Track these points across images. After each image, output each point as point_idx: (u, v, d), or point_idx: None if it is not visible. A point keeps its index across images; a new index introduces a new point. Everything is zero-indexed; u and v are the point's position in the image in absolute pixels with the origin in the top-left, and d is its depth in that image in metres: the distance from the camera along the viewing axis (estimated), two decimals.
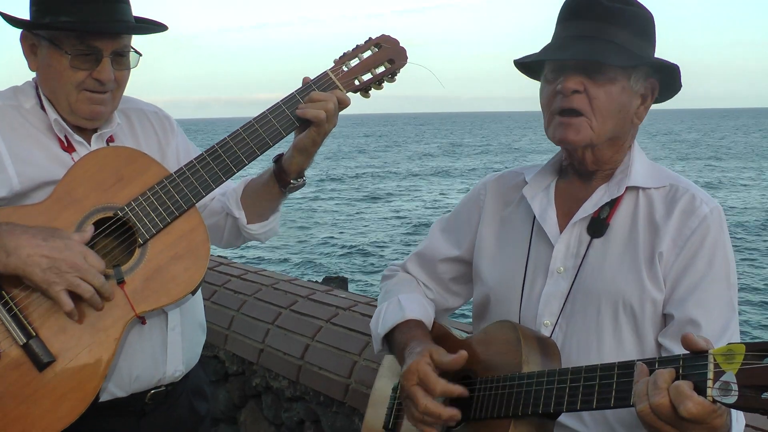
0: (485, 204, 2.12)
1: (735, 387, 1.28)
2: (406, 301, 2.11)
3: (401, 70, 2.21)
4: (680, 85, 1.89)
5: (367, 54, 2.18)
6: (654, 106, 1.93)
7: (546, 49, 1.87)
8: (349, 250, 23.77)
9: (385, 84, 2.21)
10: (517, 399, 1.68)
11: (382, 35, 2.20)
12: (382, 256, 22.37)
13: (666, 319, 1.78)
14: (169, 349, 2.17)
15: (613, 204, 1.86)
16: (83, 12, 1.96)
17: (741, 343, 1.31)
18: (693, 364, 1.37)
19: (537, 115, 2.01)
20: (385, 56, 2.18)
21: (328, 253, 23.44)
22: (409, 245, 23.59)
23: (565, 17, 1.86)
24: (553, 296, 1.88)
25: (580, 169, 1.93)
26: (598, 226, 1.86)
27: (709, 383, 1.33)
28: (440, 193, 38.06)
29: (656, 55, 1.87)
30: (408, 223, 28.42)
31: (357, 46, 2.19)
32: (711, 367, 1.33)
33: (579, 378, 1.56)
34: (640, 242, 1.81)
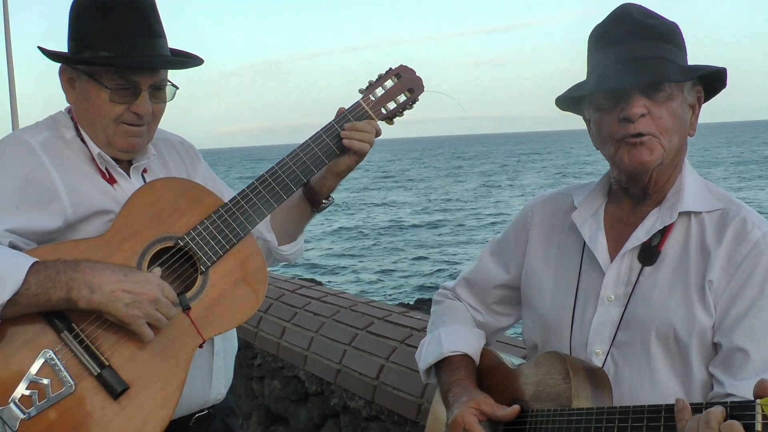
0: (532, 228, 2.10)
1: None
2: (447, 335, 2.11)
3: (420, 97, 2.33)
4: (724, 85, 1.86)
5: (389, 84, 2.30)
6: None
7: (599, 79, 1.80)
8: (445, 271, 23.74)
9: (406, 112, 2.33)
10: None
11: (401, 65, 2.33)
12: None
13: (716, 347, 1.74)
14: (214, 374, 2.24)
15: (664, 230, 1.82)
16: (122, 47, 2.01)
17: None
18: (739, 413, 1.34)
19: None
20: (406, 85, 2.31)
21: (424, 274, 23.47)
22: None
23: (605, 44, 1.82)
24: (603, 324, 1.86)
25: (634, 192, 1.89)
26: (649, 253, 1.82)
27: None
28: None
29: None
30: None
31: (380, 76, 2.31)
32: (759, 417, 1.30)
33: (627, 418, 1.56)
34: (691, 270, 1.77)
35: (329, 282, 20.65)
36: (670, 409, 1.48)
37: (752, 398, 1.34)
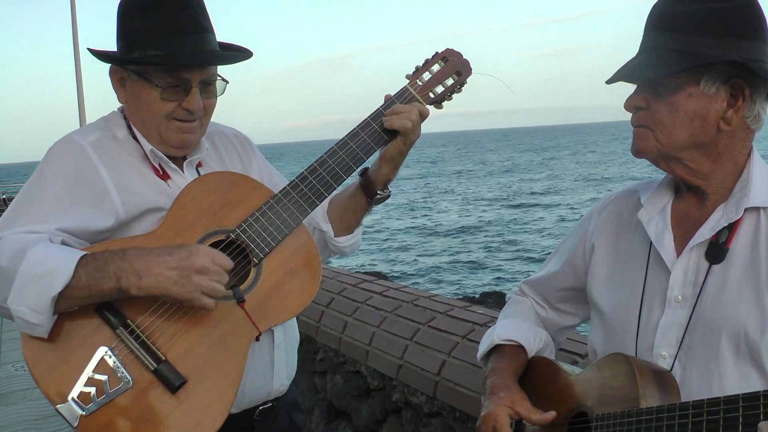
0: (599, 228, 2.04)
1: None
2: (502, 326, 2.13)
3: (468, 80, 2.30)
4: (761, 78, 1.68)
5: (436, 68, 2.28)
6: None
7: (619, 69, 1.81)
8: (513, 264, 23.52)
9: (454, 95, 2.30)
10: None
11: (447, 49, 2.30)
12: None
13: None
14: (275, 365, 2.23)
15: (731, 227, 1.72)
16: (170, 45, 2.02)
17: None
18: None
19: None
20: (453, 69, 2.28)
21: (491, 267, 23.30)
22: None
23: (645, 29, 1.79)
24: (670, 327, 1.77)
25: (687, 185, 1.82)
26: (716, 251, 1.72)
27: None
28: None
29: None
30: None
31: (426, 60, 2.29)
32: None
33: (701, 412, 1.47)
34: (762, 269, 1.66)
35: (392, 274, 20.68)
36: (748, 398, 1.38)
37: None
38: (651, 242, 1.85)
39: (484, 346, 2.13)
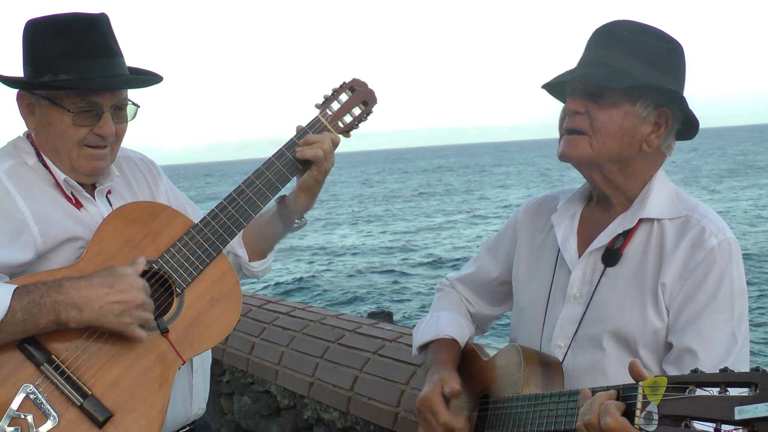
0: (521, 228, 2.27)
1: (656, 416, 1.36)
2: (444, 320, 2.30)
3: (373, 109, 2.38)
4: (694, 118, 1.94)
5: (344, 97, 2.35)
6: None
7: (560, 74, 1.99)
8: (394, 285, 23.84)
9: (361, 124, 2.38)
10: (509, 419, 1.88)
11: (354, 79, 2.37)
12: (425, 290, 22.40)
13: (670, 346, 1.86)
14: (194, 390, 2.28)
15: (627, 234, 1.96)
16: (81, 69, 1.99)
17: (665, 376, 1.40)
18: (627, 394, 1.47)
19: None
20: (359, 99, 2.36)
21: (373, 289, 23.52)
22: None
23: (588, 45, 1.99)
24: (568, 320, 2.01)
25: (599, 194, 2.05)
26: (611, 255, 1.97)
27: (637, 412, 1.41)
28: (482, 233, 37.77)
29: (685, 89, 1.95)
30: (449, 258, 28.35)
31: (334, 90, 2.35)
32: (640, 397, 1.42)
33: (556, 401, 1.73)
34: (648, 273, 1.91)
35: (275, 293, 20.48)
36: (575, 393, 1.63)
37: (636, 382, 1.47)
38: None
39: (427, 336, 2.27)
